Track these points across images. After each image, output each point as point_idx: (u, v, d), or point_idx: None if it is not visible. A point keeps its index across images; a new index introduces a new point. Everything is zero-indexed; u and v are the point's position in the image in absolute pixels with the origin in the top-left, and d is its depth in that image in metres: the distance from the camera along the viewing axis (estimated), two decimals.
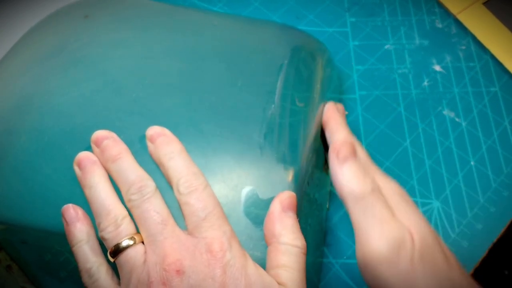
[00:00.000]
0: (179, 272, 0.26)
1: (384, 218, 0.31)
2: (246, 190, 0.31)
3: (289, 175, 0.32)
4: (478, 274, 0.42)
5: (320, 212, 0.42)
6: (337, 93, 0.48)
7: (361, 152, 0.34)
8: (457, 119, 0.49)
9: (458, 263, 0.32)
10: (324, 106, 0.38)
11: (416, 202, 0.44)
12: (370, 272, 0.30)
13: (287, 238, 0.29)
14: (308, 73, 0.38)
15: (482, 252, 0.43)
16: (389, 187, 0.33)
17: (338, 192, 0.32)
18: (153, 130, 0.31)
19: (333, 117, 0.37)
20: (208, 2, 0.56)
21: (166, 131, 0.31)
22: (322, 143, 0.37)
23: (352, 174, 0.32)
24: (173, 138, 0.31)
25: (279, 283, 0.28)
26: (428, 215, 0.44)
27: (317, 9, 0.56)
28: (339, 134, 0.35)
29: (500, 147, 0.48)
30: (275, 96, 0.35)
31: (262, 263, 0.29)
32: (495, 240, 0.44)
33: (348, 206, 0.32)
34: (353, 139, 0.35)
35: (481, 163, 0.47)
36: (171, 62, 0.36)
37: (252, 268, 0.28)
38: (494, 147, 0.48)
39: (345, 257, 0.42)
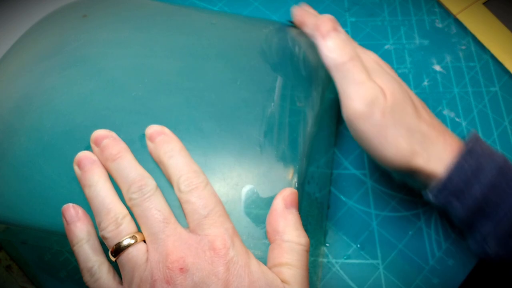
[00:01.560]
0: (183, 270, 0.26)
1: (360, 80, 0.34)
2: (246, 189, 0.31)
3: (289, 173, 0.32)
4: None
5: (320, 211, 0.42)
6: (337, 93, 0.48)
7: (341, 29, 0.37)
8: (457, 119, 0.49)
9: (429, 112, 0.37)
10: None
11: (416, 202, 0.45)
12: (352, 127, 0.35)
13: (290, 235, 0.29)
14: (307, 72, 0.38)
15: None
16: (367, 56, 0.38)
17: (325, 64, 0.36)
18: (153, 129, 0.31)
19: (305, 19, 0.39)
20: (208, 2, 0.57)
21: (166, 130, 0.31)
22: None
23: (333, 45, 0.35)
24: (173, 136, 0.31)
25: (282, 281, 0.28)
26: (428, 215, 0.44)
27: (317, 9, 0.55)
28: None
29: (500, 147, 0.48)
30: (275, 94, 0.35)
31: (263, 262, 0.29)
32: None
33: (332, 74, 0.35)
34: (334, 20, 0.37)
35: None
36: (170, 61, 0.36)
37: (255, 265, 0.28)
38: (494, 147, 0.48)
39: (345, 257, 0.42)
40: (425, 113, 0.36)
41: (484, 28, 0.54)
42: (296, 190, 0.31)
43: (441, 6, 0.56)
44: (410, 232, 0.43)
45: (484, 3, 0.55)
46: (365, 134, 0.35)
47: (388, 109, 0.34)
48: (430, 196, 0.35)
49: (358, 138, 0.35)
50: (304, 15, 0.38)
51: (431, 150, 0.35)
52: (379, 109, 0.34)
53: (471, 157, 0.34)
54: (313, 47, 0.40)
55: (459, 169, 0.34)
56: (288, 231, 0.29)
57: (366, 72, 0.35)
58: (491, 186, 0.33)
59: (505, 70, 0.51)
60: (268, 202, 0.31)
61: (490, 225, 0.34)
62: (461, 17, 0.55)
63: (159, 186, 0.30)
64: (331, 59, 0.35)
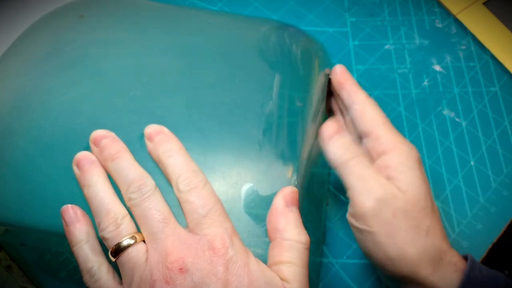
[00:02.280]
0: (182, 270, 0.26)
1: (366, 177, 0.34)
2: (246, 187, 0.31)
3: (289, 172, 0.32)
4: None
5: (320, 209, 0.42)
6: None
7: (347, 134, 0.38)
8: (457, 119, 0.49)
9: (443, 232, 0.35)
10: (325, 73, 0.40)
11: None
12: (357, 223, 0.34)
13: (291, 234, 0.29)
14: (305, 71, 0.38)
15: (482, 252, 0.43)
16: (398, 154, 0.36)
17: (331, 165, 0.37)
18: (152, 128, 0.31)
19: (348, 80, 0.39)
20: (208, 2, 0.57)
21: (164, 129, 0.31)
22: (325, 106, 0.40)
23: (335, 148, 0.36)
24: (172, 136, 0.31)
25: (282, 279, 0.28)
26: None
27: (317, 9, 0.56)
28: (358, 96, 0.38)
29: (500, 147, 0.48)
30: (273, 93, 0.35)
31: (263, 260, 0.29)
32: (495, 240, 0.44)
33: (339, 174, 0.36)
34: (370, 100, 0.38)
35: (481, 163, 0.47)
36: (168, 60, 0.36)
37: (255, 264, 0.28)
38: (494, 147, 0.48)
39: (345, 257, 0.42)
40: (439, 222, 0.35)
41: (484, 28, 0.54)
42: (296, 189, 0.31)
43: (441, 6, 0.56)
44: None
45: (484, 3, 0.55)
46: (371, 231, 0.33)
47: (401, 211, 0.33)
48: None
49: (363, 235, 0.34)
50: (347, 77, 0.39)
51: (438, 266, 0.33)
52: (389, 209, 0.33)
53: (472, 284, 0.33)
54: (310, 45, 0.40)
55: None
56: (289, 229, 0.29)
57: (371, 168, 0.35)
58: None
59: (505, 70, 0.51)
60: (268, 201, 0.31)
61: None
62: (461, 17, 0.54)
63: (158, 185, 0.30)
64: (334, 160, 0.36)
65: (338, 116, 0.40)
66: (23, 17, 0.54)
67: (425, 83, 0.51)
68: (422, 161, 0.36)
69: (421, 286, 0.33)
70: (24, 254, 0.42)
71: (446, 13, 0.55)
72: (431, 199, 0.35)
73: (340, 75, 0.39)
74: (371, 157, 0.36)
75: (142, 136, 0.32)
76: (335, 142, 0.37)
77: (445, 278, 0.33)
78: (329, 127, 0.38)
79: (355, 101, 0.37)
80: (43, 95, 0.35)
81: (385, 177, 0.35)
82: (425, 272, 0.33)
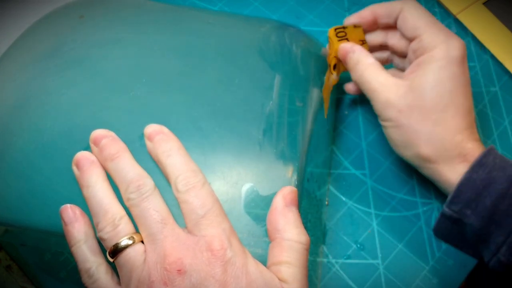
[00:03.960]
0: (181, 271, 0.26)
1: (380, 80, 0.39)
2: (246, 187, 0.31)
3: (289, 171, 0.32)
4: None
5: (319, 209, 0.42)
6: (336, 93, 0.48)
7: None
8: None
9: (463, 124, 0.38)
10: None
11: (416, 202, 0.44)
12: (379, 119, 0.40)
13: (290, 234, 0.29)
14: (305, 71, 0.38)
15: None
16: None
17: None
18: (151, 128, 0.31)
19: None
20: (208, 2, 0.57)
21: (164, 129, 0.31)
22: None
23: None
24: (171, 135, 0.31)
25: (280, 280, 0.28)
26: (428, 215, 0.44)
27: (317, 9, 0.56)
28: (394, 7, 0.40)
29: (500, 147, 0.47)
30: (273, 93, 0.35)
31: (263, 260, 0.29)
32: None
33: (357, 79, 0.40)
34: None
35: None
36: (168, 60, 0.36)
37: (253, 265, 0.28)
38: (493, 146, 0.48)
39: (345, 257, 0.42)
40: (458, 115, 0.37)
41: (484, 28, 0.54)
42: (296, 188, 0.31)
43: (441, 6, 0.56)
44: (410, 232, 0.43)
45: (484, 3, 0.55)
46: (383, 125, 0.39)
47: (408, 106, 0.37)
48: (445, 209, 0.36)
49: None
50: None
51: (447, 157, 0.37)
52: (396, 107, 0.37)
53: (482, 169, 0.35)
54: (309, 45, 0.40)
55: (469, 182, 0.35)
56: (288, 229, 0.29)
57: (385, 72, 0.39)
58: (502, 197, 0.34)
59: (505, 70, 0.51)
60: (268, 200, 0.31)
61: (503, 234, 0.34)
62: (461, 17, 0.54)
63: (158, 185, 0.30)
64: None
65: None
66: (23, 17, 0.54)
67: None
68: (465, 57, 0.38)
69: (440, 180, 0.38)
70: (24, 254, 0.42)
71: (446, 13, 0.55)
72: (460, 95, 0.37)
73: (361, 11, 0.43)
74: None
75: (142, 136, 0.32)
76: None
77: (453, 169, 0.37)
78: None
79: (395, 14, 0.40)
80: (43, 95, 0.35)
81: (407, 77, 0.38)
82: (438, 167, 0.37)
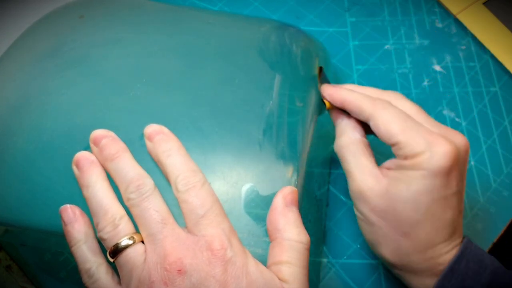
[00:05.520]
0: (181, 271, 0.26)
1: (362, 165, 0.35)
2: (246, 187, 0.31)
3: (289, 172, 0.32)
4: None
5: (320, 209, 0.42)
6: None
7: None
8: (457, 119, 0.49)
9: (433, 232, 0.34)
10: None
11: None
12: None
13: (291, 233, 0.29)
14: (305, 71, 0.38)
15: None
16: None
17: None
18: (151, 128, 0.31)
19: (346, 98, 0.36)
20: (208, 2, 0.57)
21: (164, 129, 0.31)
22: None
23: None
24: (171, 135, 0.31)
25: (281, 280, 0.28)
26: None
27: (317, 9, 0.56)
28: (365, 112, 0.35)
29: (500, 147, 0.47)
30: (273, 93, 0.35)
31: (263, 260, 0.29)
32: (495, 240, 0.44)
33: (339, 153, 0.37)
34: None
35: (481, 163, 0.47)
36: (168, 60, 0.36)
37: (253, 265, 0.28)
38: (494, 147, 0.48)
39: (345, 257, 0.42)
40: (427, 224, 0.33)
41: (484, 28, 0.54)
42: (296, 188, 0.31)
43: (441, 6, 0.56)
44: None
45: (484, 3, 0.55)
46: (358, 216, 0.36)
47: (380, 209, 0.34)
48: None
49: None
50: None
51: (415, 272, 0.34)
52: (368, 204, 0.34)
53: (455, 277, 0.33)
54: (309, 45, 0.40)
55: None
56: (289, 229, 0.29)
57: (371, 158, 0.35)
58: None
59: (505, 70, 0.51)
60: (268, 200, 0.31)
61: None
62: (461, 17, 0.54)
63: (158, 185, 0.30)
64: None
65: None
66: (23, 17, 0.54)
67: (425, 83, 0.51)
68: (454, 165, 0.32)
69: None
70: (24, 254, 0.42)
71: (446, 13, 0.55)
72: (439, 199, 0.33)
73: (334, 94, 0.37)
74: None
75: (142, 136, 0.32)
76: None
77: (421, 280, 0.34)
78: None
79: (365, 118, 0.35)
80: (43, 95, 0.35)
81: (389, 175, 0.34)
82: (399, 269, 0.35)
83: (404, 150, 0.32)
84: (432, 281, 0.33)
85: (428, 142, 0.32)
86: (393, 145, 0.33)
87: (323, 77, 0.39)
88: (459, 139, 0.33)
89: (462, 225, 0.35)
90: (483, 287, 0.32)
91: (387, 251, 0.34)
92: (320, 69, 0.39)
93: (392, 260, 0.34)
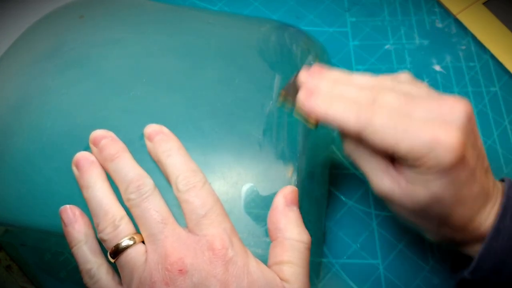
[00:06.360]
0: (182, 271, 0.26)
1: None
2: (246, 187, 0.31)
3: (289, 171, 0.32)
4: None
5: (320, 209, 0.42)
6: None
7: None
8: None
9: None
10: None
11: None
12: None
13: (292, 233, 0.29)
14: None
15: None
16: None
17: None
18: (151, 128, 0.31)
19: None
20: (208, 2, 0.56)
21: (164, 129, 0.31)
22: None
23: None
24: (171, 135, 0.31)
25: (282, 279, 0.28)
26: None
27: (317, 9, 0.56)
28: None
29: (500, 147, 0.47)
30: (273, 93, 0.35)
31: (263, 260, 0.29)
32: None
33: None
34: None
35: None
36: (168, 60, 0.36)
37: (254, 265, 0.28)
38: (494, 147, 0.48)
39: (345, 257, 0.42)
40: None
41: (484, 28, 0.54)
42: (296, 188, 0.31)
43: (441, 6, 0.56)
44: (410, 232, 0.43)
45: (484, 3, 0.55)
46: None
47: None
48: (466, 276, 0.33)
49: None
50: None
51: (460, 244, 0.34)
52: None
53: (501, 237, 0.31)
54: (309, 45, 0.40)
55: (489, 253, 0.32)
56: (290, 228, 0.29)
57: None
58: None
59: (505, 70, 0.51)
60: (268, 200, 0.31)
61: None
62: (461, 17, 0.54)
63: (158, 185, 0.30)
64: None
65: None
66: (23, 17, 0.54)
67: (425, 83, 0.51)
68: (462, 155, 0.29)
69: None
70: (24, 254, 0.42)
71: (446, 13, 0.55)
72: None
73: (311, 110, 0.32)
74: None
75: (142, 136, 0.32)
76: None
77: (469, 247, 0.33)
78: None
79: (354, 135, 0.31)
80: (43, 95, 0.35)
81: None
82: (453, 245, 0.34)
83: (408, 157, 0.30)
84: (479, 246, 0.32)
85: (427, 142, 0.29)
86: (394, 153, 0.30)
87: (289, 86, 0.34)
88: (460, 111, 0.29)
89: (493, 180, 0.33)
90: None
91: (430, 236, 0.34)
92: (285, 90, 0.34)
93: (439, 241, 0.34)
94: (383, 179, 0.32)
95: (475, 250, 0.33)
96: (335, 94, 0.31)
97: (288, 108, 0.33)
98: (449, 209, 0.31)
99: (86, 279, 0.29)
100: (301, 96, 0.32)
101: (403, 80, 0.32)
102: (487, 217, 0.32)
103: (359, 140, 0.31)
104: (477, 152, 0.31)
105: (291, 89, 0.33)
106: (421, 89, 0.31)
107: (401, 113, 0.30)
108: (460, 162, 0.29)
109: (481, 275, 0.32)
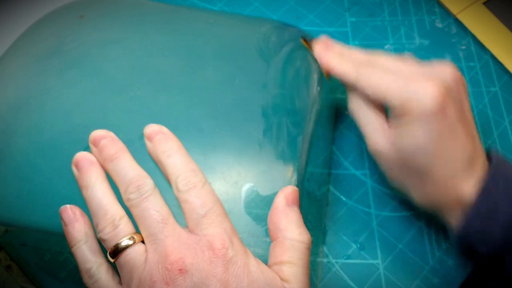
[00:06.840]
0: (182, 271, 0.26)
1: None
2: (246, 187, 0.31)
3: (289, 171, 0.32)
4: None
5: (320, 209, 0.42)
6: (336, 93, 0.48)
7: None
8: None
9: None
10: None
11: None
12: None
13: (292, 233, 0.29)
14: (305, 71, 0.38)
15: None
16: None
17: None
18: (151, 128, 0.31)
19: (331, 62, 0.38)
20: (208, 2, 0.56)
21: (164, 129, 0.31)
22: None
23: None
24: (171, 135, 0.31)
25: (282, 279, 0.28)
26: (428, 215, 0.44)
27: (317, 9, 0.56)
28: (349, 77, 0.37)
29: (500, 147, 0.47)
30: (273, 93, 0.35)
31: (263, 260, 0.29)
32: None
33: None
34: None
35: None
36: (169, 60, 0.36)
37: (254, 265, 0.28)
38: (494, 147, 0.47)
39: (345, 257, 0.42)
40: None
41: (484, 28, 0.54)
42: (297, 188, 0.31)
43: (441, 6, 0.56)
44: (410, 232, 0.43)
45: (484, 3, 0.55)
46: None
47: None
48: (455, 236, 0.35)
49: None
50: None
51: (444, 206, 0.36)
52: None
53: (488, 197, 0.33)
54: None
55: (476, 213, 0.34)
56: (290, 228, 0.29)
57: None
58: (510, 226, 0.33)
59: (505, 70, 0.51)
60: (268, 200, 0.31)
61: None
62: (461, 17, 0.54)
63: (158, 185, 0.30)
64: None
65: None
66: (23, 17, 0.54)
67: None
68: (445, 100, 0.33)
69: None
70: (24, 254, 0.42)
71: (446, 13, 0.55)
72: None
73: (322, 58, 0.38)
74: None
75: (142, 136, 0.32)
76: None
77: (453, 213, 0.35)
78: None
79: (351, 84, 0.37)
80: (43, 95, 0.35)
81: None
82: (441, 213, 0.36)
83: (396, 105, 0.34)
84: (461, 213, 0.34)
85: (412, 91, 0.33)
86: (385, 103, 0.35)
87: (310, 44, 0.40)
88: (445, 72, 0.35)
89: (482, 150, 0.36)
90: None
91: (417, 197, 0.36)
92: (304, 39, 0.40)
93: (425, 203, 0.36)
94: (376, 134, 0.36)
95: (458, 215, 0.35)
96: (343, 54, 0.38)
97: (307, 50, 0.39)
98: (431, 161, 0.34)
99: (85, 279, 0.29)
100: (318, 48, 0.38)
101: (406, 57, 0.37)
102: (470, 182, 0.34)
103: (359, 94, 0.36)
104: (462, 116, 0.35)
105: (309, 41, 0.40)
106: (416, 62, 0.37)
107: (392, 69, 0.35)
108: (440, 111, 0.33)
109: (467, 241, 0.34)
